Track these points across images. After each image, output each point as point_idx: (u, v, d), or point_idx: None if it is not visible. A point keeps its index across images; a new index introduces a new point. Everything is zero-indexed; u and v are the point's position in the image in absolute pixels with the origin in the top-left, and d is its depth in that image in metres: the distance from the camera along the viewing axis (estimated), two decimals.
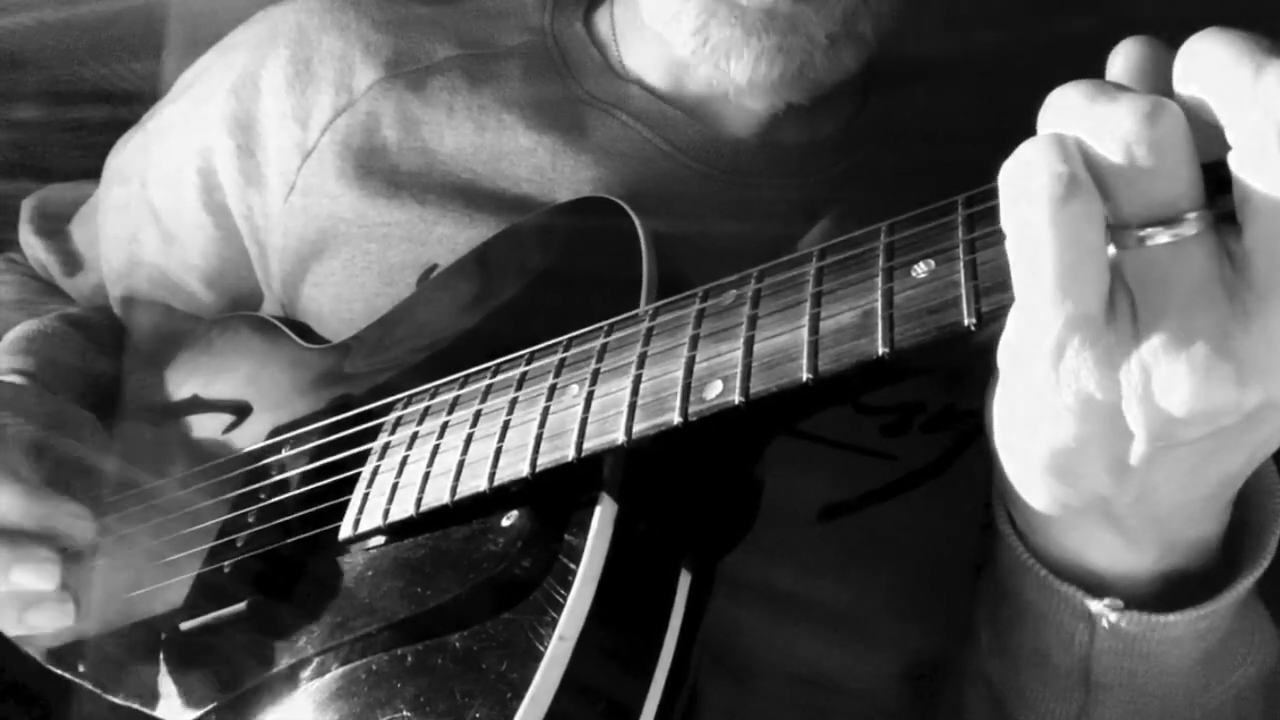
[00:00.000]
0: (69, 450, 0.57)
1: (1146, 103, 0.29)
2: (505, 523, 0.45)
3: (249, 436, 0.60)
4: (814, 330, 0.38)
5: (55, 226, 0.80)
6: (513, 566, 0.43)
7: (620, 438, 0.41)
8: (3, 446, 0.53)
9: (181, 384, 0.67)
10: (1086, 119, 0.30)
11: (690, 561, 0.44)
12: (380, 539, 0.49)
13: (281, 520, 0.52)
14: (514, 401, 0.46)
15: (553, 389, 0.45)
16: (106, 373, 0.70)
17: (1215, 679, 0.44)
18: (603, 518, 0.42)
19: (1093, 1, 0.69)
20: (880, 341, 0.36)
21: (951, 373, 0.56)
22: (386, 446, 0.51)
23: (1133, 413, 0.31)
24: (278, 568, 0.51)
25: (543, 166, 0.63)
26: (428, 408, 0.50)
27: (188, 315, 0.74)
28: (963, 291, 0.35)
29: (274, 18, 0.70)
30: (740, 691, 0.55)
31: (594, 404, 0.43)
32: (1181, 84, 0.30)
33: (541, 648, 0.40)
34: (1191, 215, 0.29)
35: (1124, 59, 0.33)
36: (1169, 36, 0.32)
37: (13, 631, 0.53)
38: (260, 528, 0.53)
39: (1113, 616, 0.41)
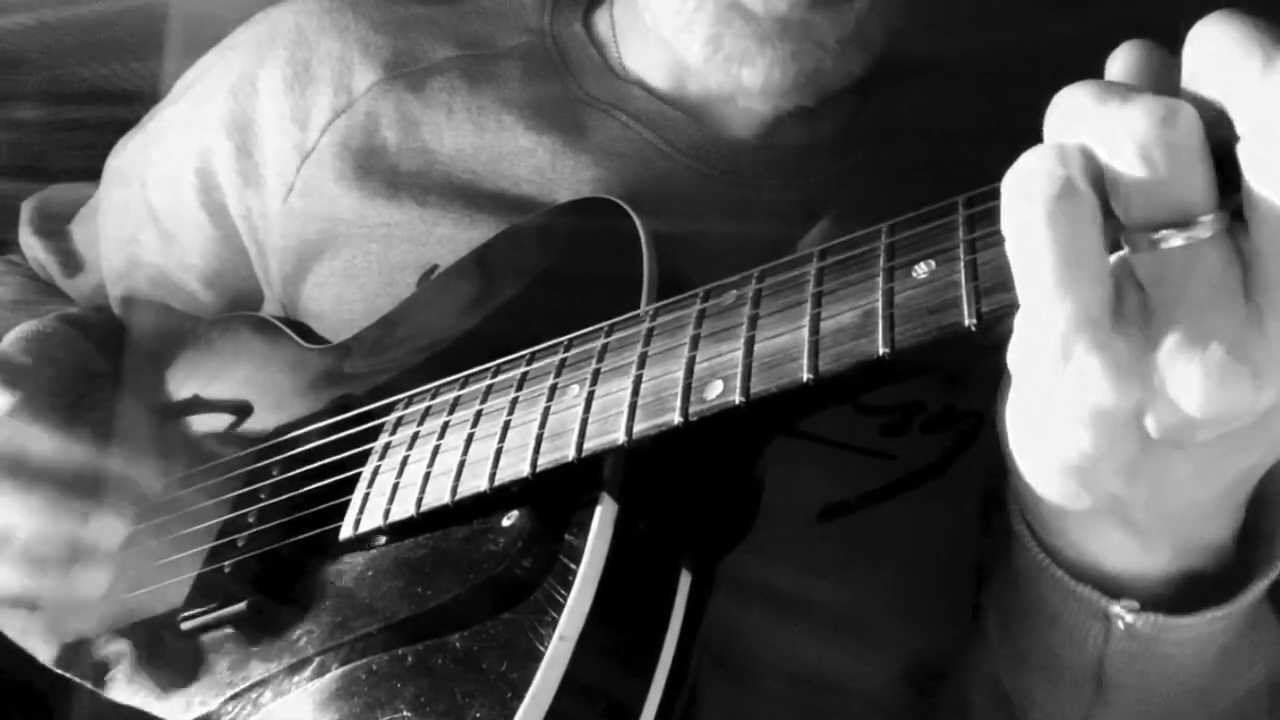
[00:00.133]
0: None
1: (1161, 106, 0.29)
2: (506, 523, 0.45)
3: (249, 437, 0.60)
4: (814, 330, 0.38)
5: (55, 227, 0.80)
6: (513, 566, 0.43)
7: (621, 438, 0.41)
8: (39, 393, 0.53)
9: (182, 384, 0.67)
10: (1097, 120, 0.30)
11: (690, 561, 0.44)
12: (381, 539, 0.49)
13: (282, 520, 0.52)
14: (515, 401, 0.46)
15: (553, 389, 0.45)
16: (106, 373, 0.70)
17: (1225, 680, 0.44)
18: (603, 518, 0.42)
19: (1093, 1, 0.69)
20: (881, 342, 0.36)
21: (951, 373, 0.56)
22: (387, 446, 0.51)
23: (1145, 415, 0.31)
24: (278, 567, 0.51)
25: (542, 167, 0.63)
26: (428, 408, 0.50)
27: (188, 315, 0.74)
28: (963, 292, 0.35)
29: (273, 19, 0.70)
30: (740, 691, 0.55)
31: (594, 404, 0.43)
32: (1190, 73, 0.30)
33: (542, 648, 0.40)
34: (1205, 218, 0.29)
35: (1122, 64, 0.33)
36: (1169, 37, 0.32)
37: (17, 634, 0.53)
38: (261, 527, 0.53)
39: (1128, 618, 0.41)
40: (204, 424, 0.64)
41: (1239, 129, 0.29)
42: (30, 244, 0.80)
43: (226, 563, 0.52)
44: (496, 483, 0.44)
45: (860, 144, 0.65)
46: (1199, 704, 0.44)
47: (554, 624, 0.40)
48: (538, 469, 0.43)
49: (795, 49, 0.55)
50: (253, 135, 0.68)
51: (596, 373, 0.44)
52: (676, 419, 0.40)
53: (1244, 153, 0.29)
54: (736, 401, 0.39)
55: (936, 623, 0.57)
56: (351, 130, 0.66)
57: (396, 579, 0.47)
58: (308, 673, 0.47)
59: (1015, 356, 0.33)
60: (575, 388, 0.44)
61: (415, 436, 0.49)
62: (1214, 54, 0.29)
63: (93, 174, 0.79)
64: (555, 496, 0.44)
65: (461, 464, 0.46)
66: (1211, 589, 0.41)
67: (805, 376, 0.37)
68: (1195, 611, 0.40)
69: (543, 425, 0.44)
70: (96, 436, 0.59)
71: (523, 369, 0.48)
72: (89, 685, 0.56)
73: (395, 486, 0.48)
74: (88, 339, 0.72)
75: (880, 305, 0.37)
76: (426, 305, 0.59)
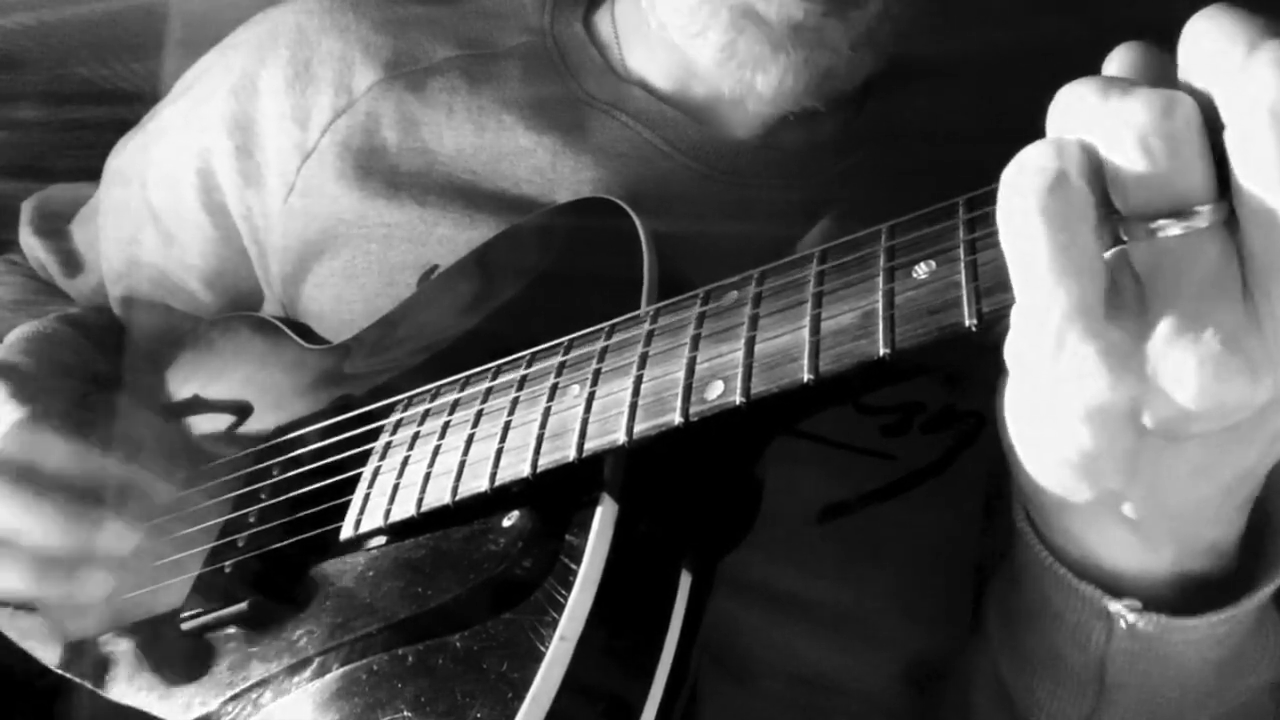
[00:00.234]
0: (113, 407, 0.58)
1: (1160, 97, 0.29)
2: (506, 523, 0.45)
3: (250, 437, 0.60)
4: (815, 331, 0.38)
5: (55, 227, 0.80)
6: (513, 567, 0.43)
7: (621, 438, 0.41)
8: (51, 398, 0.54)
9: (182, 384, 0.67)
10: (1100, 113, 0.30)
11: (691, 562, 0.44)
12: (381, 539, 0.49)
13: (283, 520, 0.52)
14: (515, 402, 0.46)
15: (554, 389, 0.45)
16: (106, 373, 0.70)
17: (1229, 682, 0.44)
18: (604, 518, 0.42)
19: (1092, 2, 0.69)
20: (881, 342, 0.36)
21: (952, 373, 0.56)
22: (388, 447, 0.51)
23: (1141, 407, 0.31)
24: (279, 568, 0.51)
25: (543, 167, 0.63)
26: (429, 408, 0.50)
27: (188, 315, 0.74)
28: (964, 292, 0.35)
29: (274, 19, 0.70)
30: (740, 691, 0.56)
31: (595, 404, 0.43)
32: (1184, 68, 0.30)
33: (542, 648, 0.40)
34: (1203, 208, 0.29)
35: (1119, 64, 0.33)
36: (1168, 37, 0.32)
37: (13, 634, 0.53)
38: (261, 528, 0.53)
39: (1131, 617, 0.40)
40: (204, 424, 0.64)
41: (1224, 117, 0.29)
42: (30, 244, 0.80)
43: (227, 563, 0.52)
44: (497, 483, 0.44)
45: (861, 144, 0.65)
46: (1203, 705, 0.44)
47: (554, 624, 0.40)
48: (538, 469, 0.43)
49: (808, 55, 0.55)
50: (253, 135, 0.68)
51: (597, 373, 0.44)
52: (677, 419, 0.40)
53: (1229, 140, 0.29)
54: (737, 402, 0.39)
55: (937, 623, 0.57)
56: (352, 130, 0.66)
57: (397, 579, 0.47)
58: (308, 673, 0.47)
59: (1011, 349, 0.33)
60: (576, 388, 0.44)
61: (416, 437, 0.50)
62: (1204, 46, 0.30)
63: (93, 174, 0.79)
64: (556, 497, 0.44)
65: (462, 464, 0.46)
66: (1216, 592, 0.41)
67: (806, 377, 0.37)
68: (1199, 614, 0.40)
69: (543, 425, 0.44)
70: (106, 443, 0.59)
71: (523, 370, 0.48)
72: (89, 685, 0.56)
73: (396, 487, 0.48)
74: (88, 339, 0.72)
75: (881, 306, 0.37)
76: (426, 305, 0.59)
